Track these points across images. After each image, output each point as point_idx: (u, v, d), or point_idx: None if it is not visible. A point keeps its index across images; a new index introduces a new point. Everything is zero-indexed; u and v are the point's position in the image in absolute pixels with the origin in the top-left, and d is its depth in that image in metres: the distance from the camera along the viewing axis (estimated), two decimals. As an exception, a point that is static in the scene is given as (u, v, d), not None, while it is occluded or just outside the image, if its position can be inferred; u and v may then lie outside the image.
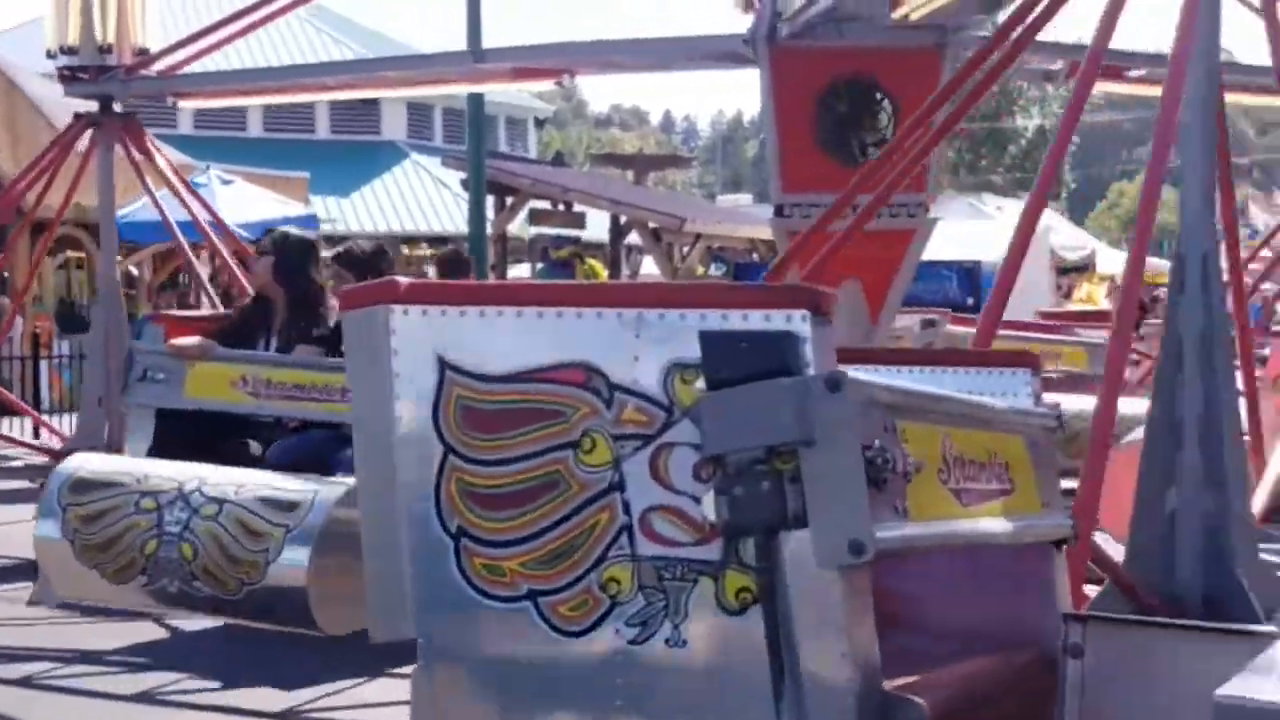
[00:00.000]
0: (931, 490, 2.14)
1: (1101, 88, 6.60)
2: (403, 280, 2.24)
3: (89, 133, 7.61)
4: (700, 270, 19.85)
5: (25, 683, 5.09)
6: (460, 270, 8.52)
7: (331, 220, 22.07)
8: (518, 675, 2.11)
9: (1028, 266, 17.88)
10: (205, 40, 7.75)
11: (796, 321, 2.02)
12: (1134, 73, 6.50)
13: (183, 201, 8.01)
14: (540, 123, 32.10)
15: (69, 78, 7.37)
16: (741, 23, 6.43)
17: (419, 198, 26.52)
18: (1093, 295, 20.99)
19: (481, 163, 15.39)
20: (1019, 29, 4.69)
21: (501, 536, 2.12)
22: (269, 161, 19.54)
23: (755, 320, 2.02)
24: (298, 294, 5.58)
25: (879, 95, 5.95)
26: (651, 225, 18.46)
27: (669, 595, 2.05)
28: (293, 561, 4.17)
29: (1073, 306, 17.66)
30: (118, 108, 7.56)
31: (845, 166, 6.01)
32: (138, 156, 7.70)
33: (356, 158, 26.46)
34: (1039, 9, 4.53)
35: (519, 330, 2.14)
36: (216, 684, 5.18)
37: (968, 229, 27.25)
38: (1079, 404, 5.70)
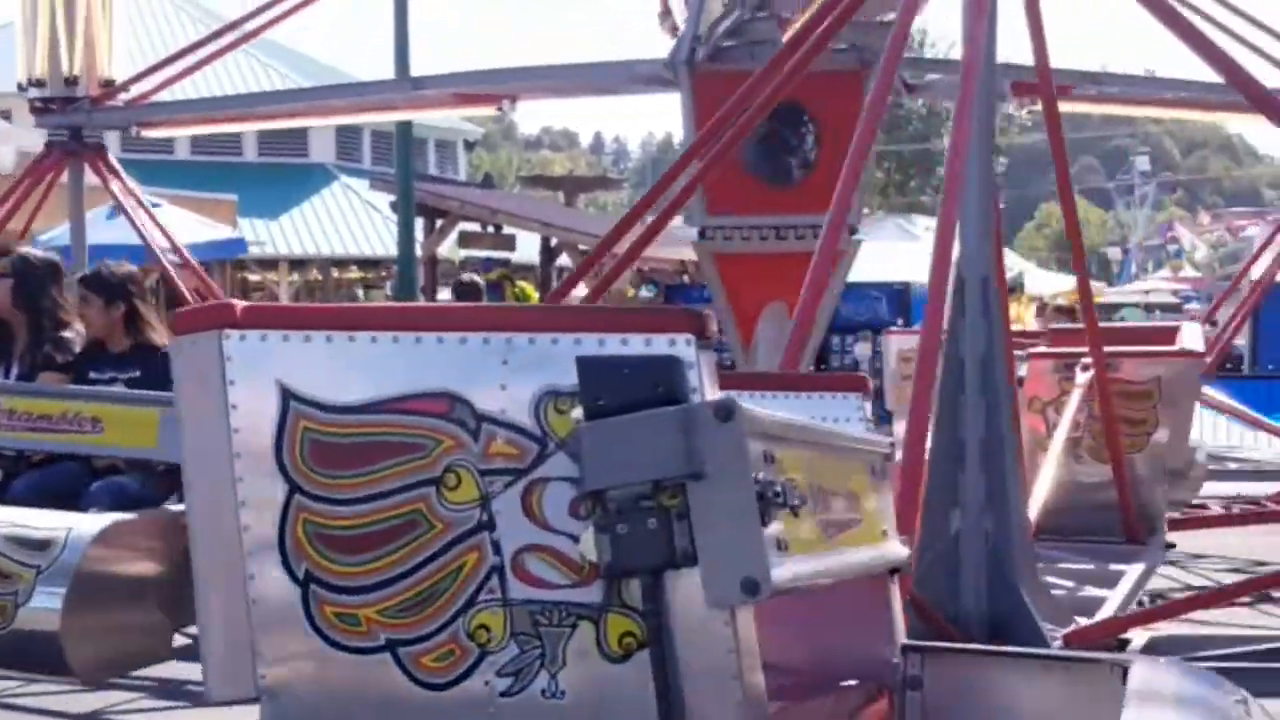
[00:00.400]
0: (806, 523, 2.05)
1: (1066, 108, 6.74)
2: (238, 303, 2.05)
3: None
4: (631, 293, 19.79)
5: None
6: (473, 299, 8.50)
7: (260, 243, 21.80)
8: None
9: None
10: (168, 70, 8.02)
11: (681, 346, 1.88)
12: (1093, 89, 6.54)
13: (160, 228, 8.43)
14: (470, 145, 31.97)
15: (39, 109, 7.67)
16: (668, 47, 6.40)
17: (348, 220, 26.29)
18: (1021, 316, 21.14)
19: (410, 185, 15.25)
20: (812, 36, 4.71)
21: (356, 582, 1.93)
22: (196, 184, 19.27)
23: (636, 345, 1.88)
24: (39, 318, 5.38)
25: (801, 117, 5.93)
26: (582, 247, 18.38)
27: (545, 642, 1.90)
28: (45, 605, 3.82)
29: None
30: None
31: (768, 188, 5.98)
32: (113, 185, 7.94)
33: (284, 180, 26.20)
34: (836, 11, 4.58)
35: (372, 356, 1.95)
36: (178, 703, 5.02)
37: (897, 250, 27.46)
38: None
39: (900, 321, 17.44)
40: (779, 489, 1.85)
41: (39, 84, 7.59)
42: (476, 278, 13.76)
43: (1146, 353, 6.15)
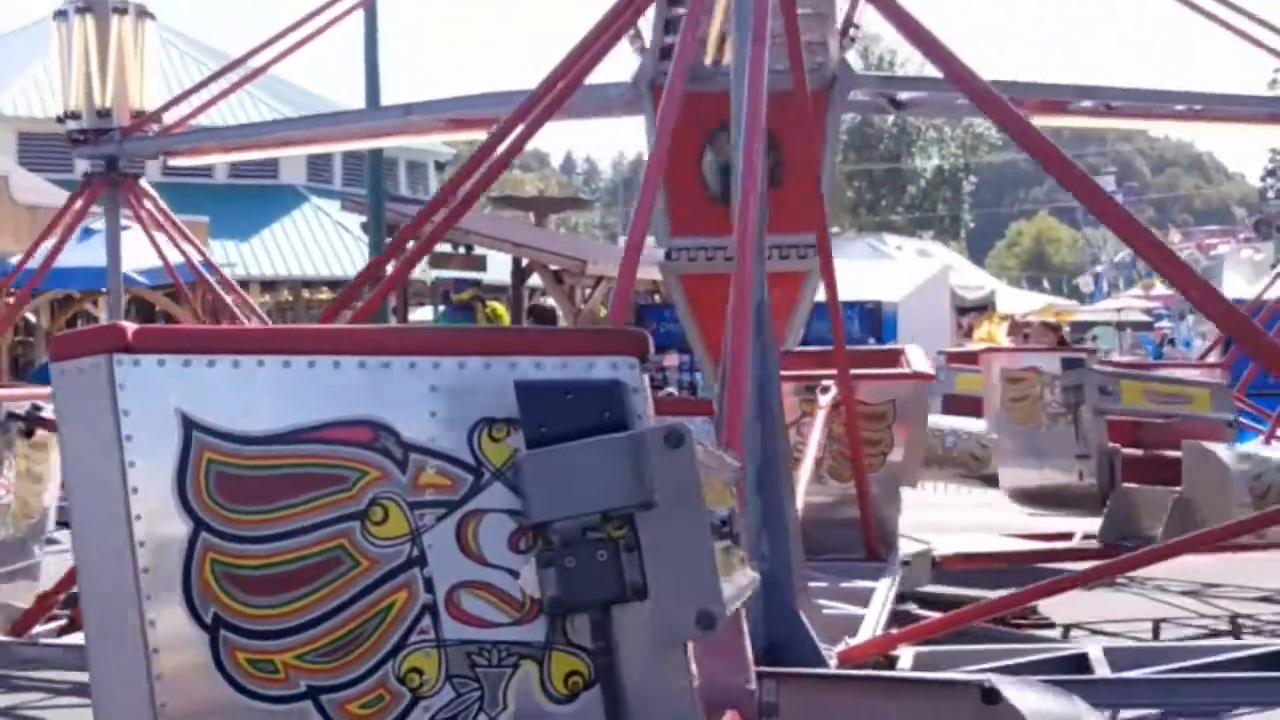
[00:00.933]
0: (733, 552, 2.03)
1: (1044, 121, 6.82)
2: (129, 325, 1.86)
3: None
4: (603, 312, 19.75)
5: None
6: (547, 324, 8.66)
7: (231, 265, 21.66)
8: None
9: (929, 306, 18.03)
10: (196, 98, 8.47)
11: (624, 369, 1.79)
12: (1084, 104, 6.58)
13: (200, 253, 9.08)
14: (441, 166, 31.90)
15: (77, 140, 8.01)
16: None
17: (319, 241, 26.19)
18: (993, 334, 21.20)
19: (381, 206, 15.21)
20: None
21: (272, 626, 1.77)
22: (168, 206, 19.14)
23: (577, 368, 1.78)
24: None
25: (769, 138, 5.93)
26: (553, 267, 18.35)
27: (484, 684, 1.76)
28: None
29: (974, 346, 17.80)
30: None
31: (729, 209, 5.98)
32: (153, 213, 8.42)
33: (255, 202, 26.09)
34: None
35: (285, 382, 1.79)
36: None
37: (868, 268, 27.59)
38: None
39: (872, 340, 17.46)
40: (728, 516, 1.83)
41: (74, 116, 7.97)
42: (552, 303, 13.79)
43: (883, 375, 6.40)
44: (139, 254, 13.60)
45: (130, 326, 1.86)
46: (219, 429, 1.78)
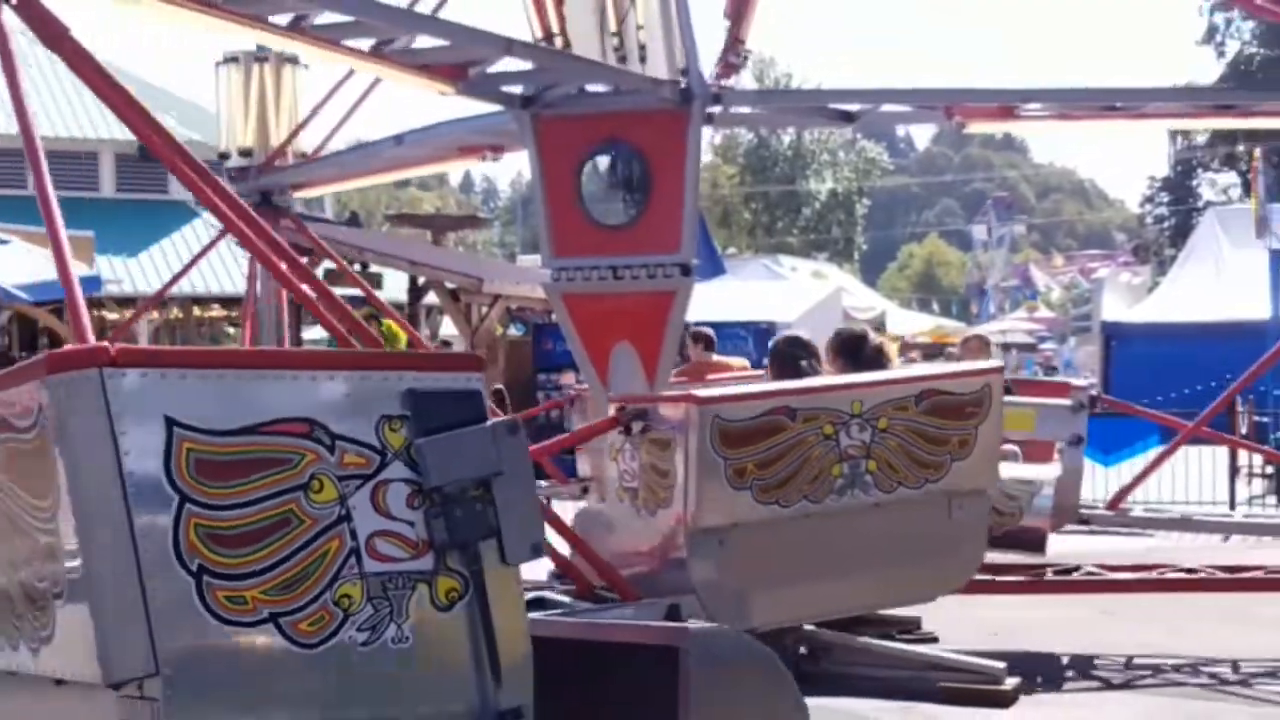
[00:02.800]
0: None
1: (998, 126, 6.91)
2: (111, 345, 2.35)
3: None
4: (499, 330, 19.73)
5: None
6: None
7: (118, 281, 21.28)
8: (264, 684, 2.35)
9: (822, 327, 18.19)
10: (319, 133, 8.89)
11: (474, 380, 2.58)
12: (1030, 107, 6.66)
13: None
14: (338, 182, 31.58)
15: (232, 178, 8.78)
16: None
17: (210, 258, 25.68)
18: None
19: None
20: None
21: (241, 570, 2.35)
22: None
23: (444, 380, 2.53)
24: None
25: (633, 157, 6.04)
26: (450, 286, 18.28)
27: (393, 602, 2.47)
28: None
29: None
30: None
31: (608, 229, 6.08)
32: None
33: (144, 217, 25.62)
34: None
35: (245, 390, 2.40)
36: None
37: (764, 289, 27.89)
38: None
39: (766, 361, 17.70)
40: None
41: (224, 156, 9.12)
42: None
43: (669, 397, 5.92)
44: (20, 269, 13.34)
45: (114, 347, 2.36)
46: (195, 425, 2.34)
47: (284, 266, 3.58)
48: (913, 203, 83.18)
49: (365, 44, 5.57)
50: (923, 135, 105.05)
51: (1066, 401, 6.86)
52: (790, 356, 6.18)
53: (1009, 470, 6.45)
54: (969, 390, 5.39)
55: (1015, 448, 6.88)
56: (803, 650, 5.81)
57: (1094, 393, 7.07)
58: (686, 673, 2.76)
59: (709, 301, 15.90)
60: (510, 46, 5.64)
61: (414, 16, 5.85)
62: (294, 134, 8.76)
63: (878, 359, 6.17)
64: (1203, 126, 8.97)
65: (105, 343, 2.36)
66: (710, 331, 11.63)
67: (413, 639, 2.45)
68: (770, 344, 6.25)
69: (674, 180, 5.87)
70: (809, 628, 5.82)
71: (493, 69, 6.00)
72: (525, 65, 5.97)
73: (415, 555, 2.47)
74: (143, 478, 2.29)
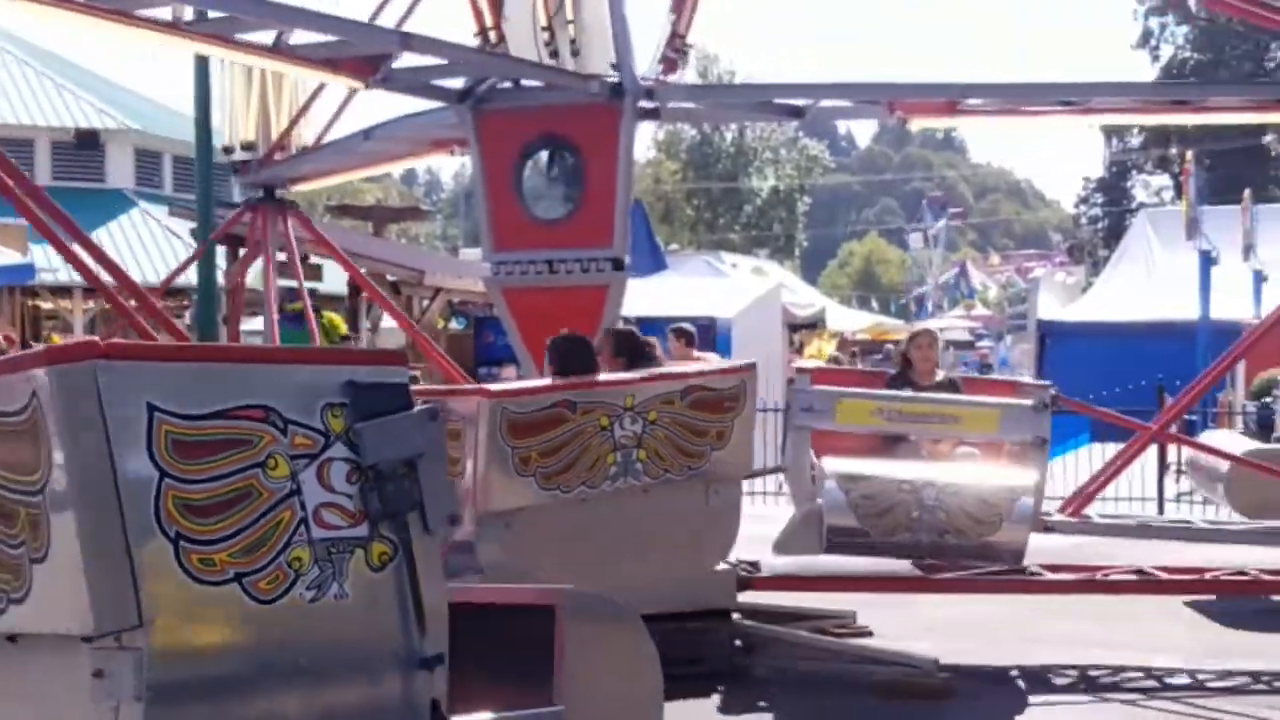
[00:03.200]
0: None
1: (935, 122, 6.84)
2: (100, 341, 2.76)
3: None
4: (440, 323, 19.65)
5: None
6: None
7: (53, 270, 20.94)
8: (229, 634, 2.76)
9: (762, 323, 18.31)
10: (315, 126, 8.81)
11: (401, 373, 3.02)
12: (974, 102, 6.59)
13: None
14: (277, 173, 31.30)
15: (236, 170, 9.18)
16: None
17: (147, 248, 25.47)
18: (823, 351, 21.74)
19: (210, 213, 14.81)
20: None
21: (211, 536, 2.73)
22: (-18, 206, 18.43)
23: (377, 373, 2.97)
24: None
25: (568, 152, 6.08)
26: (391, 278, 18.20)
27: (335, 564, 2.86)
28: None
29: (804, 363, 18.23)
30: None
31: (544, 224, 6.10)
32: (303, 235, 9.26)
33: (80, 205, 25.07)
34: None
35: (214, 380, 2.81)
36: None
37: (705, 285, 27.94)
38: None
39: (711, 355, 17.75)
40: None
41: (228, 150, 9.32)
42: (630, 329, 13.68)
43: (461, 390, 6.34)
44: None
45: (102, 341, 2.75)
46: (172, 410, 2.72)
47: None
48: (853, 201, 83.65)
49: (267, 38, 5.57)
50: (864, 134, 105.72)
51: (1029, 401, 6.77)
52: (635, 347, 6.42)
53: (986, 476, 6.51)
54: (727, 386, 5.95)
55: (974, 449, 6.93)
56: (738, 644, 5.88)
57: (1054, 391, 6.97)
58: (562, 627, 3.25)
59: (650, 296, 15.93)
60: (408, 41, 5.64)
61: (298, 12, 5.75)
62: (290, 127, 8.65)
63: (650, 356, 6.44)
64: (1148, 122, 8.82)
65: (96, 338, 2.80)
66: (691, 328, 12.44)
67: (351, 595, 2.88)
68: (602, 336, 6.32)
69: (607, 176, 5.93)
70: (745, 622, 5.90)
71: (403, 64, 5.98)
72: (438, 60, 5.96)
73: (353, 524, 2.89)
74: (128, 455, 2.68)
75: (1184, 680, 5.96)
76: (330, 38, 5.60)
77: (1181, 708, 5.49)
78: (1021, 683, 5.97)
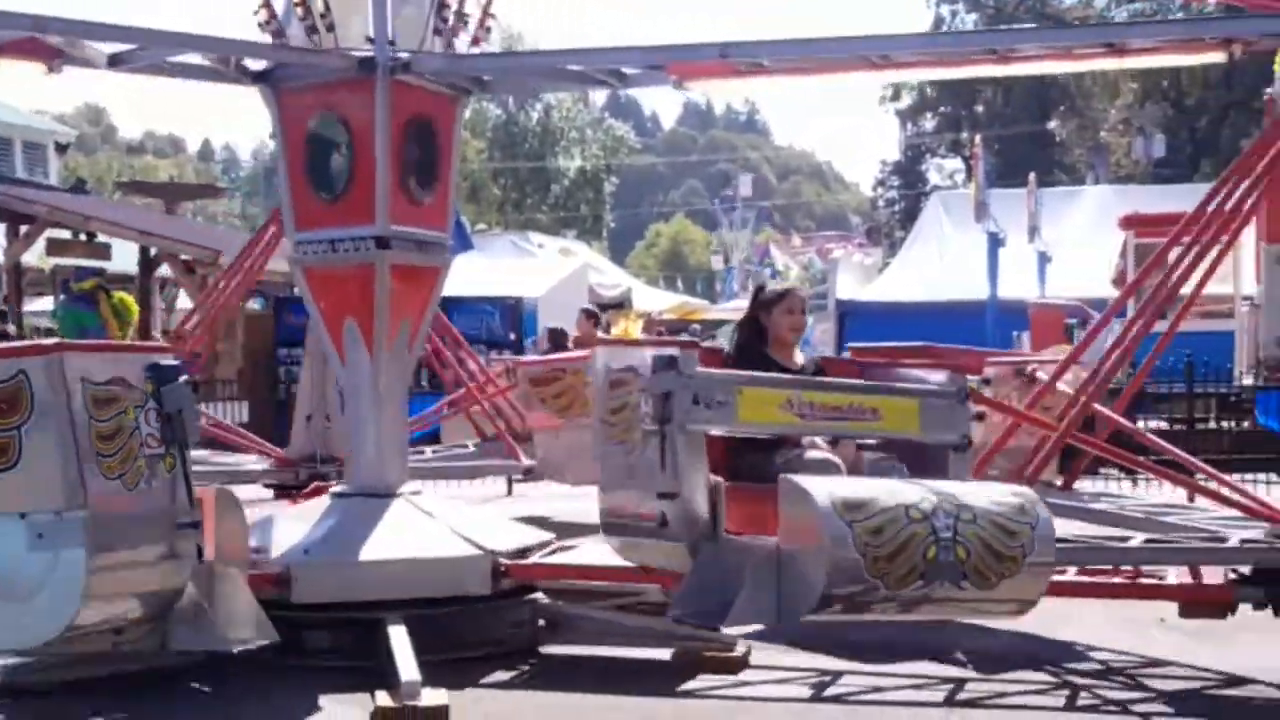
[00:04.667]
0: None
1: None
2: (57, 341, 4.92)
3: None
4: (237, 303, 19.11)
5: None
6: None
7: None
8: (119, 507, 4.77)
9: (568, 303, 18.31)
10: None
11: (178, 357, 5.13)
12: (758, 61, 5.91)
13: None
14: (62, 148, 30.00)
15: None
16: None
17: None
18: (629, 331, 21.89)
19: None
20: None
21: (109, 453, 4.68)
22: None
23: (164, 358, 4.97)
24: None
25: (340, 129, 5.98)
26: (184, 257, 17.68)
27: (151, 469, 4.80)
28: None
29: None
30: None
31: (325, 203, 6.00)
32: None
33: None
34: None
35: (109, 362, 4.82)
36: None
37: (512, 265, 27.89)
38: None
39: (513, 336, 17.70)
40: None
41: None
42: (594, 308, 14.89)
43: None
44: None
45: (59, 341, 4.91)
46: (90, 380, 4.68)
47: None
48: (660, 183, 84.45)
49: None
50: (669, 115, 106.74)
51: (951, 389, 5.32)
52: None
53: (985, 490, 4.80)
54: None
55: (899, 464, 5.42)
56: (541, 623, 5.89)
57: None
58: None
59: (457, 276, 15.79)
60: (42, 24, 5.44)
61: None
62: None
63: None
64: (963, 75, 8.29)
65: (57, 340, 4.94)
66: (596, 309, 13.01)
67: (160, 485, 4.83)
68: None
69: (370, 152, 5.84)
70: (546, 601, 5.90)
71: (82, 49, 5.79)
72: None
73: (158, 446, 4.82)
74: (74, 408, 4.61)
75: (1110, 671, 6.05)
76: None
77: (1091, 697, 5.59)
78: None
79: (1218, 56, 5.70)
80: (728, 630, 5.13)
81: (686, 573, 5.07)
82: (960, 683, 5.17)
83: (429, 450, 9.77)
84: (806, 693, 5.10)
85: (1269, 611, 5.35)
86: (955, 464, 5.28)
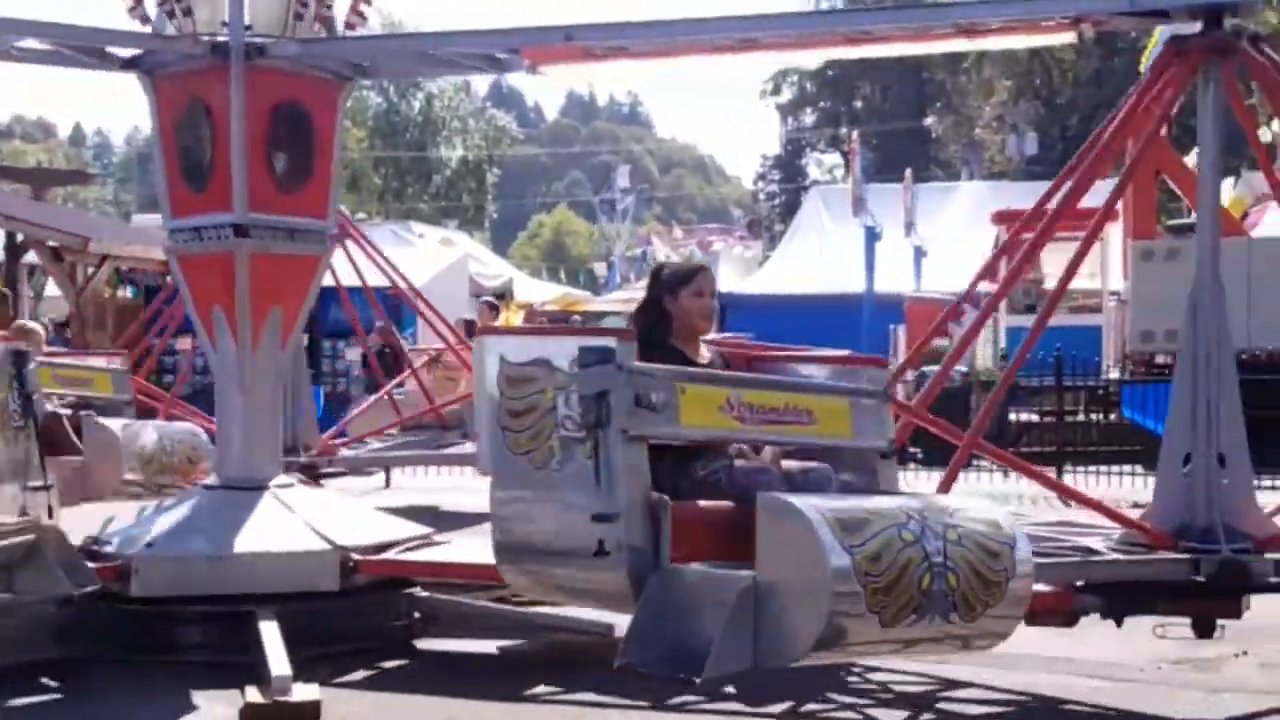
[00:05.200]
0: None
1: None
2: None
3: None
4: (108, 292, 18.69)
5: None
6: None
7: None
8: (24, 454, 6.12)
9: (448, 293, 18.36)
10: None
11: (25, 346, 6.59)
12: (611, 46, 5.84)
13: None
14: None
15: None
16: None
17: None
18: (510, 322, 21.78)
19: None
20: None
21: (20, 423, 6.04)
22: None
23: (18, 346, 6.39)
24: None
25: (201, 116, 5.90)
26: (52, 244, 17.19)
27: (16, 438, 5.90)
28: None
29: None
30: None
31: (192, 191, 5.92)
32: None
33: None
34: None
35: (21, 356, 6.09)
36: None
37: (392, 255, 27.51)
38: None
39: (393, 325, 17.50)
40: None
41: None
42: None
43: None
44: None
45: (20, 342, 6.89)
46: (49, 363, 7.39)
47: None
48: (543, 174, 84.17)
49: None
50: (551, 106, 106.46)
51: (874, 389, 4.73)
52: None
53: (967, 505, 4.21)
54: None
55: (839, 476, 4.72)
56: (417, 615, 5.85)
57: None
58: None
59: (335, 265, 15.55)
60: None
61: None
62: None
63: None
64: (822, 56, 8.17)
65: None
66: (496, 300, 13.65)
67: (24, 446, 5.81)
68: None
69: (227, 139, 5.77)
70: (422, 593, 5.86)
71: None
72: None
73: (22, 419, 5.78)
74: (29, 386, 5.89)
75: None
76: None
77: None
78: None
79: (1068, 36, 5.76)
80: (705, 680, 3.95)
81: (633, 611, 4.18)
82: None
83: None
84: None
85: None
86: (884, 472, 4.71)
